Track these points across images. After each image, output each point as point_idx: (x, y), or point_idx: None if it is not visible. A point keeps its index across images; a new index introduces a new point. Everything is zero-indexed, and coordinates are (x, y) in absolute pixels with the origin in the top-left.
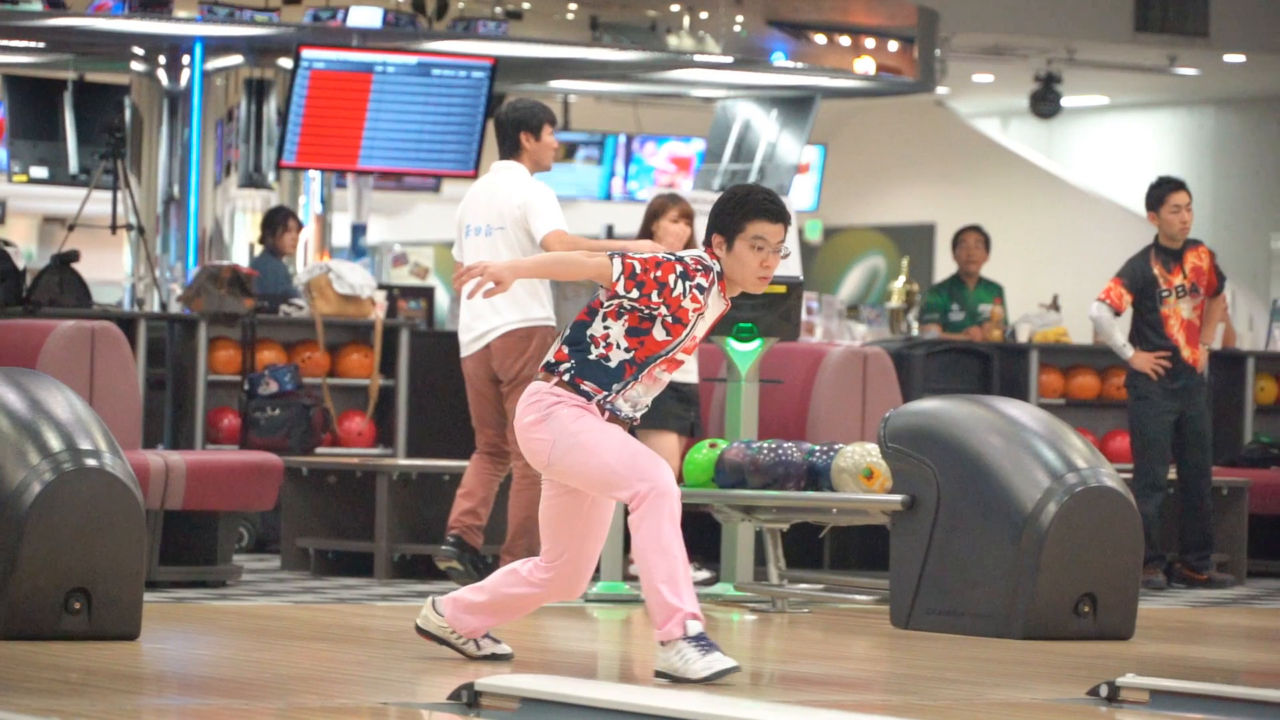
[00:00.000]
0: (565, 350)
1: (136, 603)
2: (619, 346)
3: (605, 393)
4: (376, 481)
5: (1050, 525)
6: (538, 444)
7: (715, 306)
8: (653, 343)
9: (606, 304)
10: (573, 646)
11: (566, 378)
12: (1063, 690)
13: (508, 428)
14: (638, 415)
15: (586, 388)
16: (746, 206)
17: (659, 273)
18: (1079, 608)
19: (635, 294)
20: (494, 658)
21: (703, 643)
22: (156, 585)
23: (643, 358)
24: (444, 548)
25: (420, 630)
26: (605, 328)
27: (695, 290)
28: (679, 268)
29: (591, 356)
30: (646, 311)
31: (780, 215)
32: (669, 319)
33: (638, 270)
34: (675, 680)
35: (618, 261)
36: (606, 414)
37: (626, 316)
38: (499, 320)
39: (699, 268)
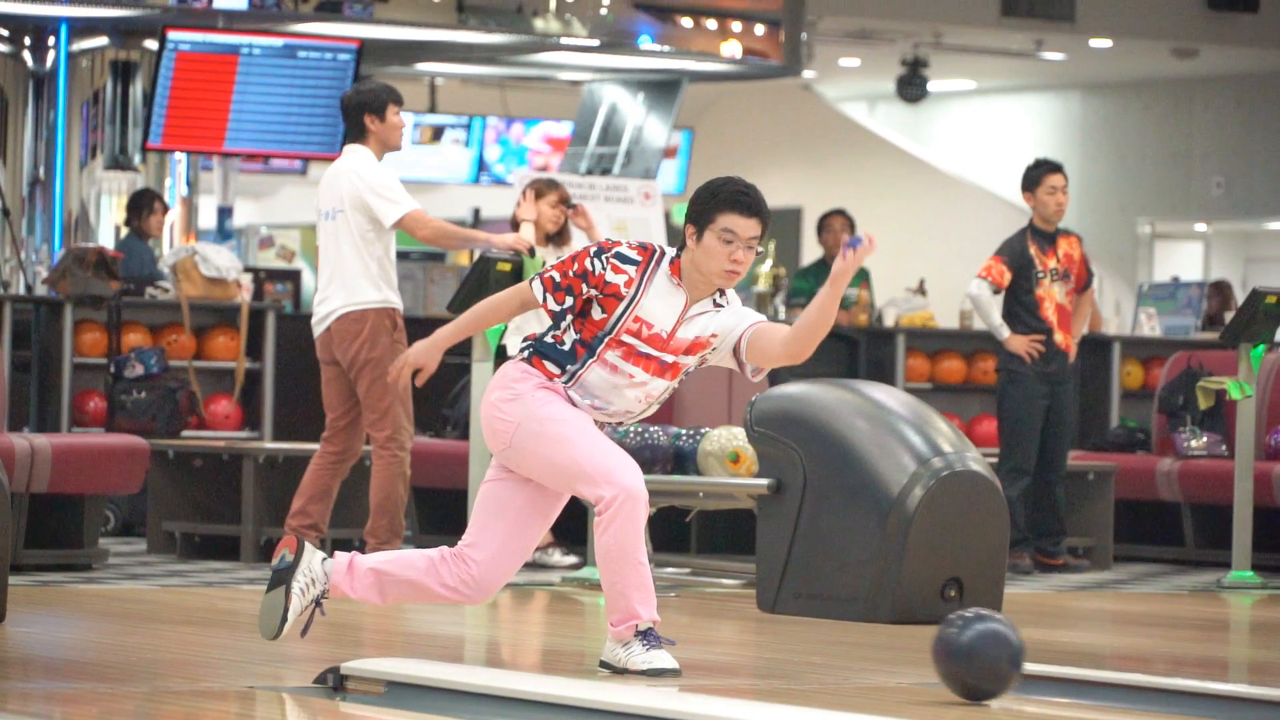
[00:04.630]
0: (535, 332)
1: (1, 586)
2: (569, 328)
3: (561, 375)
4: (243, 465)
5: (916, 509)
6: (501, 424)
7: (666, 291)
8: (592, 322)
9: (561, 320)
10: (439, 630)
11: (526, 355)
12: (930, 674)
13: (362, 413)
14: (614, 422)
15: (543, 369)
16: (719, 198)
17: (575, 266)
18: (945, 592)
19: (570, 300)
20: (279, 623)
21: (651, 640)
22: (22, 569)
23: (589, 337)
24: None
25: (297, 541)
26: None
27: (615, 260)
28: (593, 249)
29: (548, 338)
30: (587, 297)
31: (753, 209)
32: (600, 296)
33: (558, 279)
34: (615, 671)
35: (537, 284)
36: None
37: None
38: (336, 304)
39: (625, 244)
